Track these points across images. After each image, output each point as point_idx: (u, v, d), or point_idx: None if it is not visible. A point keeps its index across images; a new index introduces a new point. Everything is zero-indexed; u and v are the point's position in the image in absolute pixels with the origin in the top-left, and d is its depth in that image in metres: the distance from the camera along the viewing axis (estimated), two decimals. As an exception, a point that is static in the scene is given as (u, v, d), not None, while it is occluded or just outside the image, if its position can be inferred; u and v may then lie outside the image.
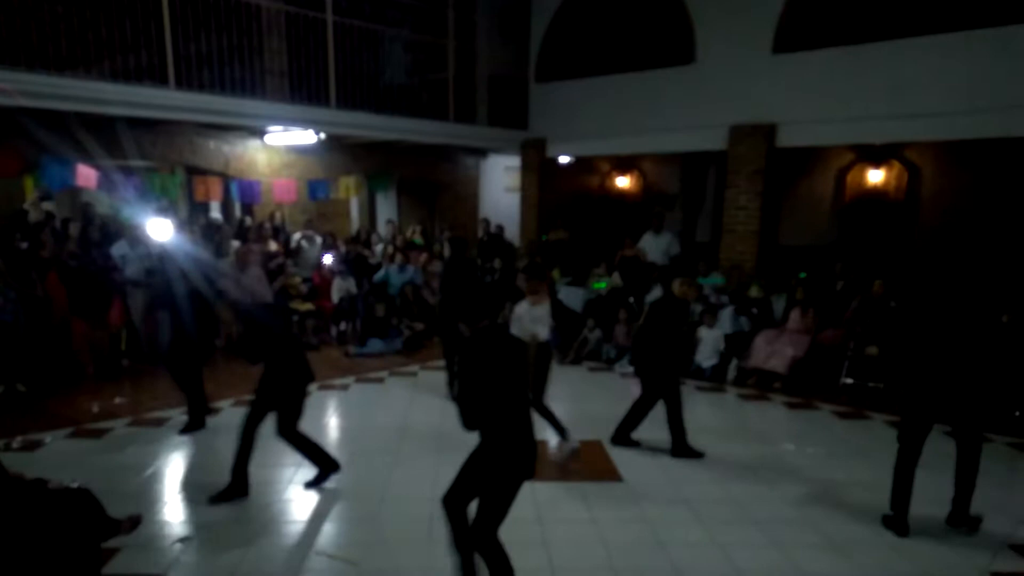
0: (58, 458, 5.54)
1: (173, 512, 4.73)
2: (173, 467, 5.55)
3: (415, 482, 5.21)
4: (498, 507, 3.38)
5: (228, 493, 4.83)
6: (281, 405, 4.88)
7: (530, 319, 5.62)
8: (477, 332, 3.46)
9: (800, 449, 6.09)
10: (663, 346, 5.70)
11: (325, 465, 5.11)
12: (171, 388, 7.34)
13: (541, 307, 5.73)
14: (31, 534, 3.40)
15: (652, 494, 5.07)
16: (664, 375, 5.76)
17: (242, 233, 10.24)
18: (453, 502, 3.60)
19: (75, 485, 3.84)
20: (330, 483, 5.17)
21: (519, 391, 3.46)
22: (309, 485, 5.11)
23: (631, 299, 9.50)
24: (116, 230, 9.07)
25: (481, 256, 11.72)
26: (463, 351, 3.44)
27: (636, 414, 5.98)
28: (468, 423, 3.34)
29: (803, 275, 8.91)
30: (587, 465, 5.67)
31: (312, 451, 5.08)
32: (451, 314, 6.84)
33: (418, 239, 11.67)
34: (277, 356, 4.88)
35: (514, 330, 5.48)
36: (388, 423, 6.63)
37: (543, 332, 5.69)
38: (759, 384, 8.07)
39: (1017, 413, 6.90)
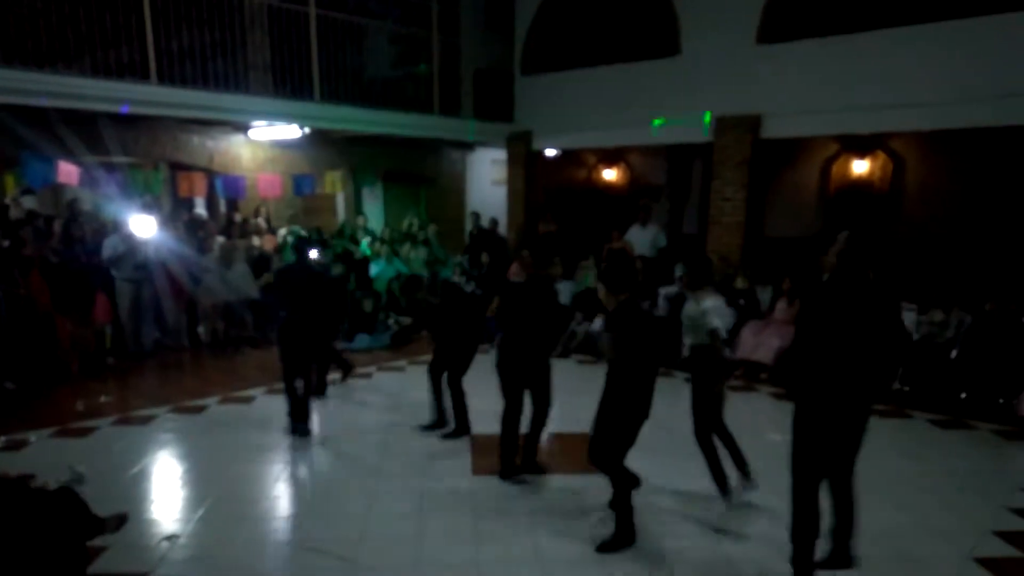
0: (43, 457, 5.48)
1: (160, 510, 4.70)
2: (159, 465, 5.51)
3: (403, 477, 5.21)
4: (624, 439, 4.16)
5: (457, 433, 6.01)
6: (457, 360, 5.94)
7: (700, 316, 4.56)
8: (621, 304, 4.09)
9: (786, 440, 6.11)
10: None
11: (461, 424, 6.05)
12: (157, 386, 7.31)
13: (710, 299, 4.62)
14: (14, 533, 3.37)
15: (644, 486, 5.07)
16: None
17: (228, 228, 10.17)
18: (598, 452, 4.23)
19: (76, 468, 3.78)
20: (323, 471, 5.16)
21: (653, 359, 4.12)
22: (447, 436, 6.06)
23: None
24: (100, 226, 8.98)
25: (470, 250, 11.69)
26: (612, 319, 4.11)
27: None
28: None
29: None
30: (578, 457, 5.67)
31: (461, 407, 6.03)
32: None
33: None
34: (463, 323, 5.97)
35: (688, 338, 4.67)
36: (376, 418, 6.62)
37: (722, 326, 4.57)
38: (746, 375, 8.11)
39: (1001, 401, 6.98)
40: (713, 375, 4.61)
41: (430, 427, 6.16)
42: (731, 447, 4.74)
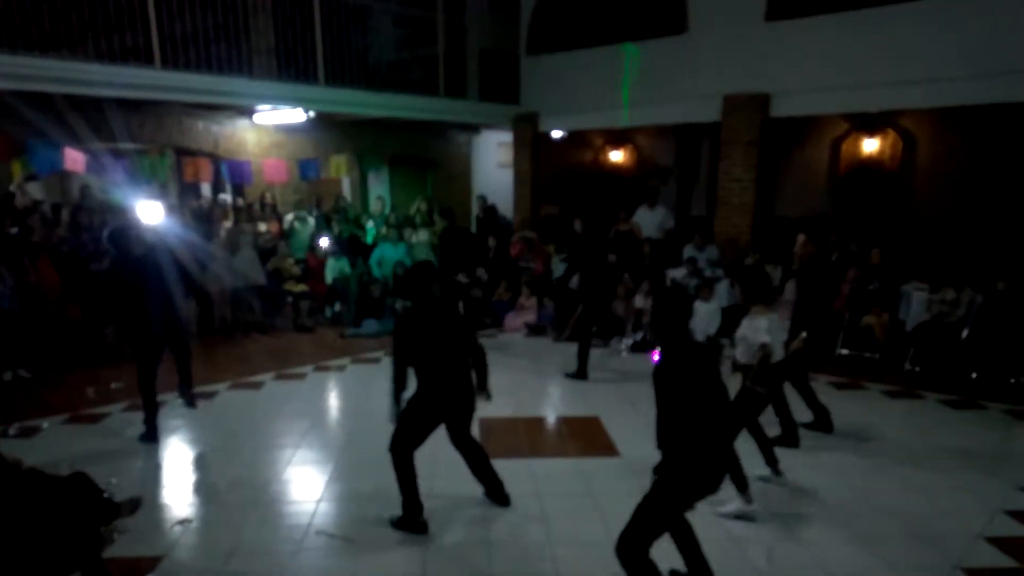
0: (56, 443, 5.53)
1: (172, 495, 4.74)
2: (171, 451, 5.54)
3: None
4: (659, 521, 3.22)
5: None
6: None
7: (753, 333, 4.52)
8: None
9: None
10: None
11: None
12: (167, 373, 7.30)
13: (765, 318, 4.53)
14: (29, 519, 3.39)
15: (649, 468, 5.07)
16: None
17: (235, 214, 10.16)
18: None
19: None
20: (327, 464, 5.19)
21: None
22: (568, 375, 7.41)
23: (626, 274, 9.48)
24: (109, 213, 8.98)
25: (478, 234, 11.66)
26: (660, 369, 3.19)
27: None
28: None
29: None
30: (584, 441, 5.69)
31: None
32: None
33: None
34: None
35: (740, 354, 4.62)
36: (384, 403, 6.59)
37: (779, 348, 4.54)
38: (755, 356, 8.08)
39: (1013, 380, 6.94)
40: (758, 382, 4.56)
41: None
42: (764, 443, 4.81)
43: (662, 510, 3.22)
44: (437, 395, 4.23)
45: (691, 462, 3.16)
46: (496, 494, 4.56)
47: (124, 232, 5.57)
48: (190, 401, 5.93)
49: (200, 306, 9.17)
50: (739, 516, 4.31)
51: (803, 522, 4.33)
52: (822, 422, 5.75)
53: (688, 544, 3.41)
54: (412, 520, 4.23)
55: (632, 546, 3.16)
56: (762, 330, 4.46)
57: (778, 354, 4.55)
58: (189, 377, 5.92)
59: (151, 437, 5.60)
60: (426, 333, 4.18)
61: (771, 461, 4.81)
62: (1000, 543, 4.05)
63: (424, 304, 4.24)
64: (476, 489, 4.65)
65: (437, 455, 4.67)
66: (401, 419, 4.26)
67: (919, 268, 8.48)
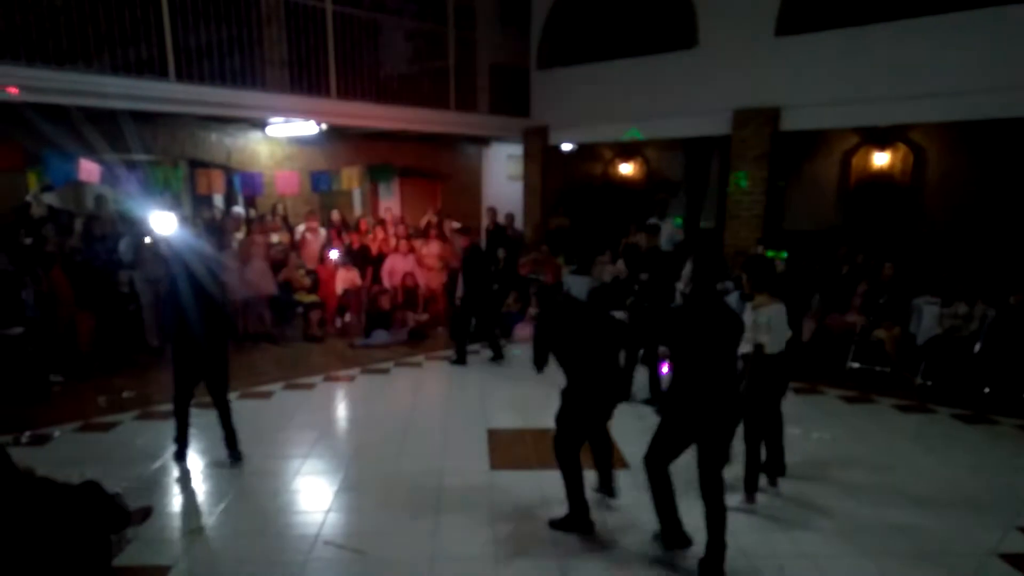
0: (67, 451, 5.57)
1: (182, 504, 4.75)
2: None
3: (421, 472, 5.22)
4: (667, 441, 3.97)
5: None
6: None
7: (752, 327, 4.43)
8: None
9: (805, 434, 6.06)
10: None
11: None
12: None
13: (767, 310, 4.48)
14: (42, 528, 3.42)
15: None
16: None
17: (248, 225, 10.23)
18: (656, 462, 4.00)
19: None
20: (335, 474, 5.19)
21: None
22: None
23: (636, 287, 9.47)
24: (123, 224, 9.07)
25: (488, 246, 11.68)
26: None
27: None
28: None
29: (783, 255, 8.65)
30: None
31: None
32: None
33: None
34: None
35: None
36: (394, 414, 6.64)
37: (772, 343, 4.46)
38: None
39: (1025, 395, 6.88)
40: (758, 381, 4.54)
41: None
42: (771, 448, 4.89)
43: (667, 434, 3.95)
44: (590, 391, 4.28)
45: (680, 399, 3.88)
46: (606, 486, 4.71)
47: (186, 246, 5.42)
48: (234, 456, 5.41)
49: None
50: (738, 509, 4.47)
51: (813, 537, 4.30)
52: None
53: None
54: (579, 519, 4.31)
55: (651, 458, 3.98)
56: (762, 327, 4.44)
57: (778, 346, 4.53)
58: (231, 426, 5.43)
59: (180, 456, 5.40)
60: (576, 333, 4.28)
61: (772, 468, 4.92)
62: (1013, 560, 4.01)
63: (570, 302, 4.57)
64: (481, 498, 4.64)
65: (443, 467, 4.67)
66: (560, 418, 4.33)
67: (930, 282, 8.44)
